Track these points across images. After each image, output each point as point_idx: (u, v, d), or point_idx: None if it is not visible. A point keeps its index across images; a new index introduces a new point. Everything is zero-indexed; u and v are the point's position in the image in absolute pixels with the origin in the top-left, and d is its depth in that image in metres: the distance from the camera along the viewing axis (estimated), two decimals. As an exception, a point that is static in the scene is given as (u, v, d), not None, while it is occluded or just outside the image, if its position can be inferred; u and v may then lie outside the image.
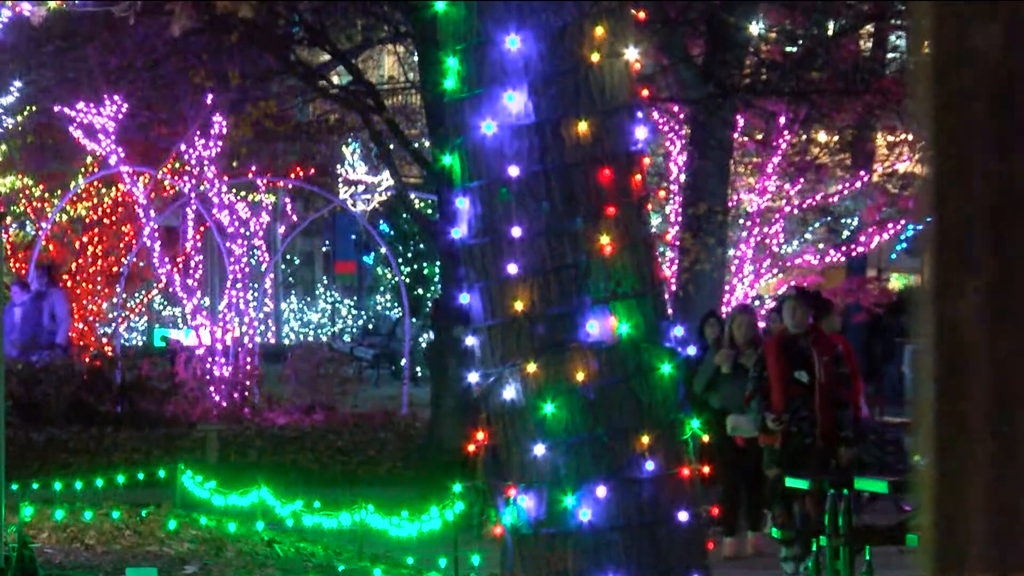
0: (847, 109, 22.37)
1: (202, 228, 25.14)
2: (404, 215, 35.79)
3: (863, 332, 28.28)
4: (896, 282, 35.05)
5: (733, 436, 13.80)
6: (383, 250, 27.73)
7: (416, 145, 23.48)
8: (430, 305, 27.87)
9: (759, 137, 24.08)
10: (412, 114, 29.71)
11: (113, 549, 13.10)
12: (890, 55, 26.03)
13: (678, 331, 8.21)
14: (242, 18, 16.02)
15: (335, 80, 24.42)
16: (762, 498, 13.58)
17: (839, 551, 11.18)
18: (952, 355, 2.06)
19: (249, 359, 24.24)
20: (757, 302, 23.04)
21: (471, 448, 8.17)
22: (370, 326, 41.82)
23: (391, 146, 22.37)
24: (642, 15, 8.54)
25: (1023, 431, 2.04)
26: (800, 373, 12.51)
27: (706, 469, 8.31)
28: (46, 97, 22.82)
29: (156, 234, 24.28)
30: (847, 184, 24.73)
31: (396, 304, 39.96)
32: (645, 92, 8.73)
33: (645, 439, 7.81)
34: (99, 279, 24.97)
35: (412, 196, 26.21)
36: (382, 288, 42.80)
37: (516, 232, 7.81)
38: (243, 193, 25.31)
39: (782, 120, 22.55)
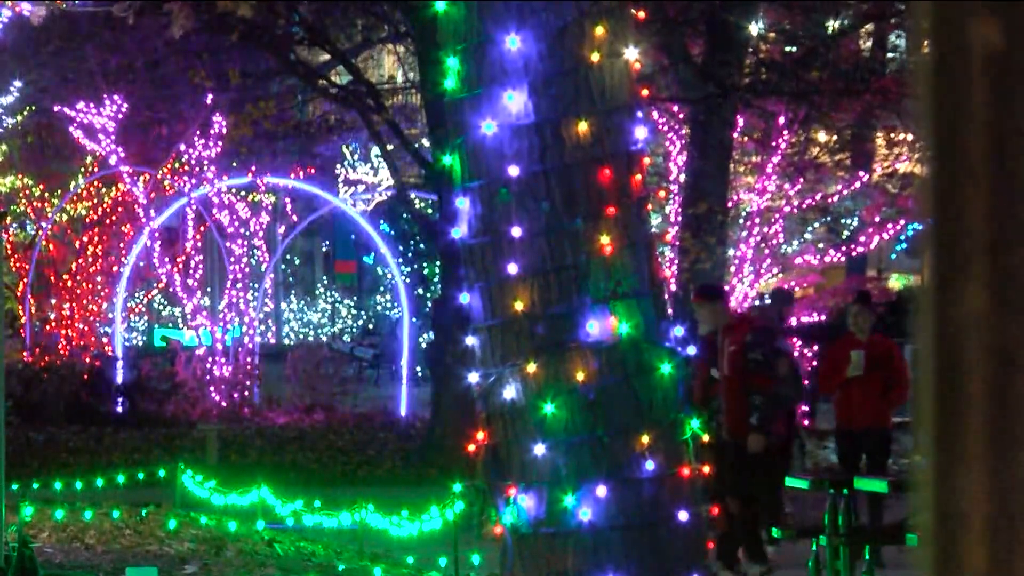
0: (847, 109, 22.39)
1: (202, 228, 25.15)
2: (404, 215, 35.78)
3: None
4: (896, 282, 35.06)
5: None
6: (383, 250, 27.74)
7: (416, 145, 23.48)
8: (430, 305, 27.87)
9: (758, 137, 24.09)
10: (412, 114, 29.71)
11: (113, 549, 13.10)
12: (890, 55, 26.03)
13: (678, 331, 8.21)
14: (242, 18, 16.02)
15: (335, 80, 24.41)
16: (775, 508, 13.24)
17: (839, 551, 11.18)
18: (952, 355, 2.06)
19: (249, 359, 24.26)
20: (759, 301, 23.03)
21: (471, 448, 8.16)
22: (370, 326, 41.82)
23: (390, 146, 22.37)
24: (642, 15, 8.54)
25: (1021, 431, 2.04)
26: (714, 369, 12.50)
27: (706, 469, 8.29)
28: (46, 97, 22.83)
29: (156, 234, 24.30)
30: (847, 184, 24.74)
31: (396, 304, 39.96)
32: (645, 92, 8.73)
33: (645, 439, 7.80)
34: (99, 279, 24.98)
35: (412, 196, 26.21)
36: (382, 288, 42.79)
37: (516, 232, 7.80)
38: (243, 193, 25.32)
39: (781, 120, 22.56)
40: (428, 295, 35.29)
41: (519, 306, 7.82)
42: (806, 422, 19.08)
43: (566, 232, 7.80)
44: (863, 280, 27.31)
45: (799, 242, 26.18)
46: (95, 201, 25.13)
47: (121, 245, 25.01)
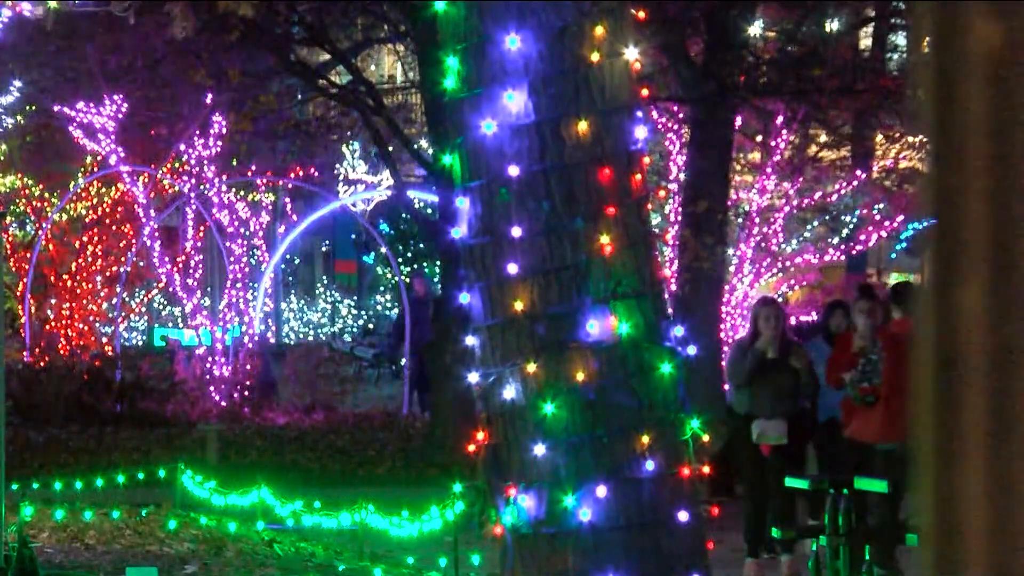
0: (846, 108, 22.40)
1: (202, 228, 25.13)
2: (404, 215, 35.78)
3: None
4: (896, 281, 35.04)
5: (758, 444, 12.86)
6: (383, 250, 27.71)
7: (416, 145, 23.47)
8: (430, 305, 27.86)
9: (759, 139, 24.10)
10: (411, 113, 29.69)
11: (113, 549, 13.10)
12: (889, 54, 26.04)
13: (678, 331, 8.20)
14: (242, 17, 16.02)
15: (335, 80, 24.41)
16: (791, 514, 12.83)
17: (839, 551, 11.17)
18: (952, 353, 2.06)
19: (249, 359, 24.24)
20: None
21: (471, 448, 8.16)
22: (370, 326, 41.79)
23: (390, 147, 22.37)
24: (642, 15, 8.54)
25: (1022, 430, 2.04)
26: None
27: (706, 469, 8.28)
28: (46, 97, 22.82)
29: (156, 234, 24.29)
30: (846, 182, 24.75)
31: (396, 304, 39.93)
32: (645, 92, 8.73)
33: (645, 439, 7.80)
34: (99, 279, 24.97)
35: (412, 195, 26.20)
36: (382, 288, 42.77)
37: (516, 232, 7.80)
38: (243, 193, 25.31)
39: (780, 119, 22.57)
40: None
41: (519, 306, 7.82)
42: None
43: (566, 232, 7.80)
44: (862, 279, 27.31)
45: (798, 241, 26.19)
46: (95, 201, 25.12)
47: (121, 245, 25.00)
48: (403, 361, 25.77)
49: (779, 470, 12.50)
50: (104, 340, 25.06)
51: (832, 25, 21.82)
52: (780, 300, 21.11)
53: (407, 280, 26.76)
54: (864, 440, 12.35)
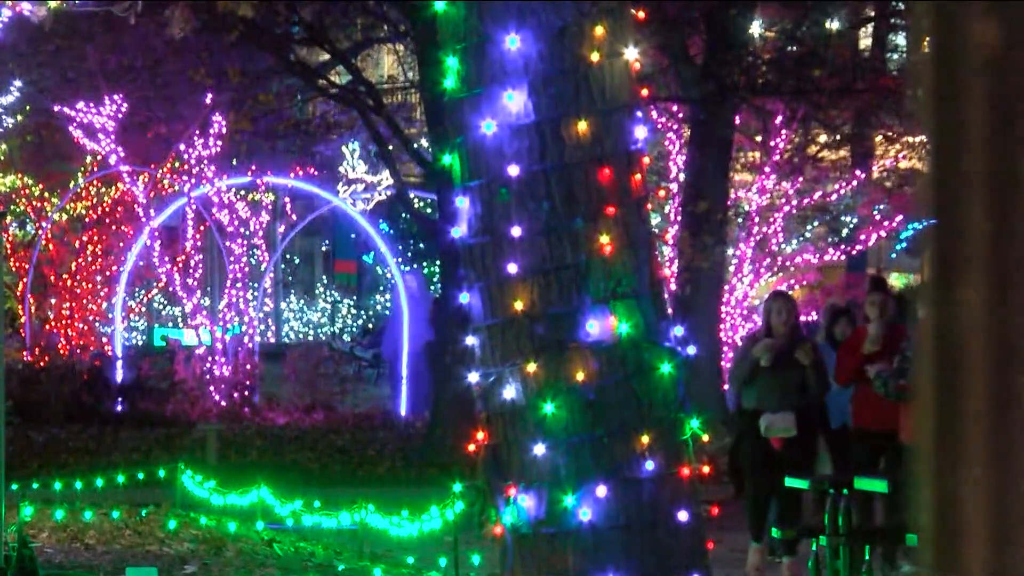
0: (846, 108, 22.41)
1: (202, 228, 25.14)
2: (404, 215, 35.79)
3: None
4: (896, 281, 35.07)
5: (767, 438, 12.66)
6: (382, 249, 27.71)
7: (416, 145, 23.47)
8: (430, 305, 27.86)
9: (759, 139, 24.11)
10: (411, 113, 29.69)
11: (113, 549, 13.09)
12: (889, 54, 26.04)
13: (678, 331, 8.20)
14: (242, 17, 16.03)
15: (335, 80, 24.40)
16: (796, 512, 12.73)
17: (839, 551, 11.16)
18: (951, 354, 2.06)
19: (249, 359, 24.24)
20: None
21: (471, 448, 8.16)
22: (370, 326, 41.80)
23: (390, 146, 22.37)
24: (642, 15, 8.54)
25: (1021, 431, 2.04)
26: None
27: (706, 469, 8.28)
28: (46, 97, 22.82)
29: (156, 234, 24.29)
30: (846, 182, 24.77)
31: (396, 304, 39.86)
32: (645, 92, 8.72)
33: (645, 439, 7.80)
34: (99, 279, 24.97)
35: (412, 196, 26.21)
36: (382, 288, 42.78)
37: (516, 232, 7.80)
38: (243, 192, 25.31)
39: (779, 119, 22.57)
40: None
41: (519, 306, 7.82)
42: None
43: (566, 232, 7.80)
44: (862, 279, 27.31)
45: (798, 241, 26.20)
46: (95, 201, 25.13)
47: (121, 245, 25.01)
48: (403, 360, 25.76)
49: (791, 464, 12.31)
50: (104, 340, 25.06)
51: (832, 25, 21.81)
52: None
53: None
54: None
